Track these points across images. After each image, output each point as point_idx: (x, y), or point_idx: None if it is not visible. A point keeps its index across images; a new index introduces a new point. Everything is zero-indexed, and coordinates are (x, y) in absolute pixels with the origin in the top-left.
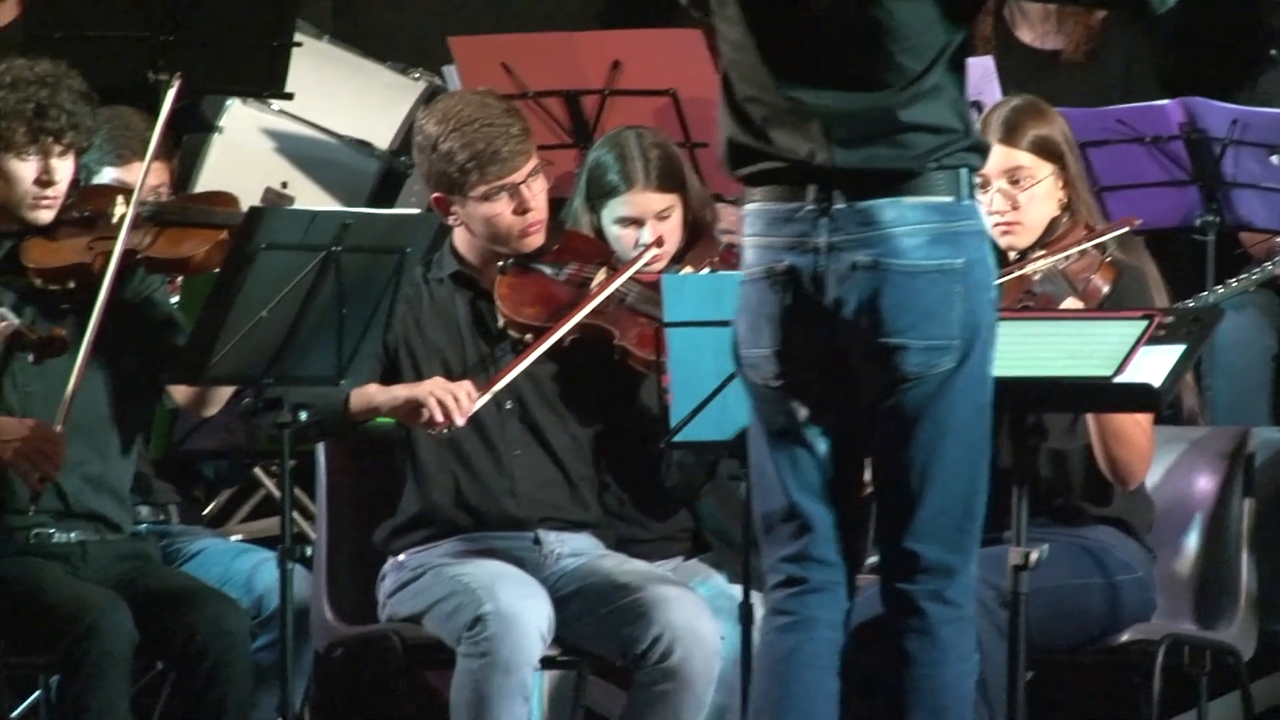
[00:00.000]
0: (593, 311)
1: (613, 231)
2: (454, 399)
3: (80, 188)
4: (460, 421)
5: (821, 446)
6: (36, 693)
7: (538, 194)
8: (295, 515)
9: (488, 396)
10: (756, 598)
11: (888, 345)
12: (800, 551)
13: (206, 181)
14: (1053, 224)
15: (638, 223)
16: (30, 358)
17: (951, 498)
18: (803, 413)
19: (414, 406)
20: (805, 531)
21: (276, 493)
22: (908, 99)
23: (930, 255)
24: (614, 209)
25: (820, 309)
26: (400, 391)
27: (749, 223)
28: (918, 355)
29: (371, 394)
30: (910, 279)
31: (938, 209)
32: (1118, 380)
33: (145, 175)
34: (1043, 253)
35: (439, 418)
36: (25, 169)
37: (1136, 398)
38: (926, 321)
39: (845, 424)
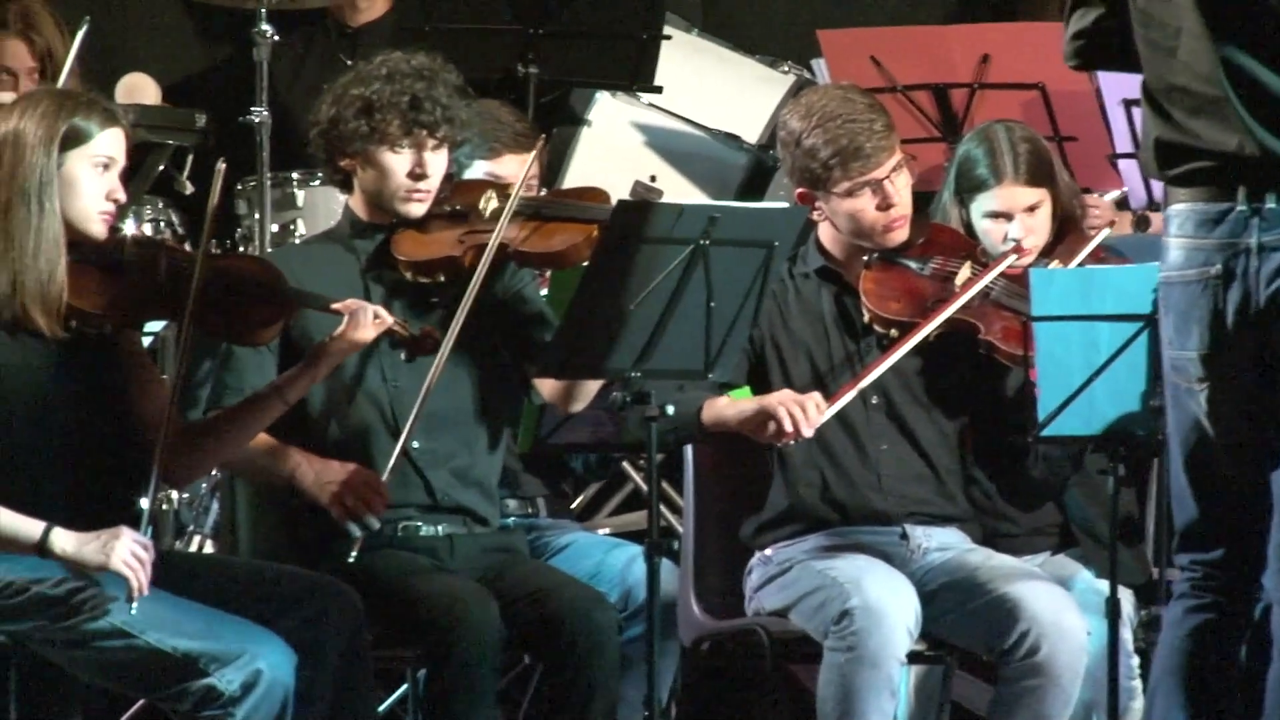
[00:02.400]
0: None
1: (981, 225)
2: (803, 410)
3: (453, 182)
4: (808, 433)
5: (1235, 457)
6: (404, 686)
7: (901, 189)
8: (662, 509)
9: (837, 407)
10: (1124, 593)
11: None
12: (1213, 559)
13: (575, 174)
14: None
15: (1006, 217)
16: (403, 355)
17: None
18: (1220, 420)
19: (763, 419)
20: (1218, 540)
21: (644, 487)
22: None
23: None
24: (983, 203)
25: (1251, 311)
26: (748, 405)
27: (1176, 223)
28: None
29: (721, 407)
30: None
31: None
32: None
33: (527, 171)
34: None
35: (788, 428)
36: (399, 162)
37: None
38: None
39: (1261, 433)
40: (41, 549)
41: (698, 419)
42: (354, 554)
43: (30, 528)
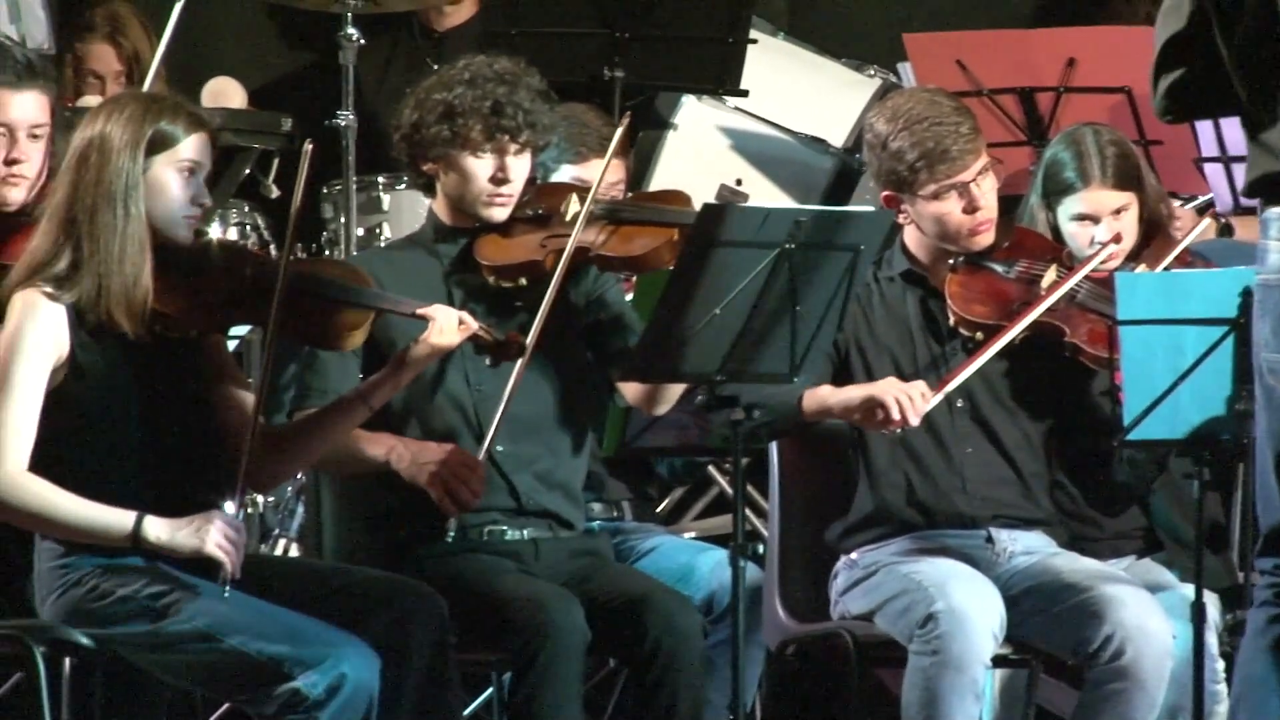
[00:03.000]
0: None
1: (1068, 228)
2: (909, 399)
3: (536, 185)
4: (915, 421)
5: None
6: (489, 690)
7: (987, 192)
8: (748, 513)
9: (940, 396)
10: (1209, 597)
11: None
12: None
13: (661, 178)
14: None
15: (1093, 220)
16: (487, 360)
17: None
18: None
19: (870, 406)
20: None
21: (729, 490)
22: None
23: None
24: (1070, 206)
25: None
26: (855, 392)
27: (1276, 227)
28: None
29: (824, 395)
30: None
31: None
32: None
33: (604, 174)
34: None
35: (895, 417)
36: (481, 166)
37: None
38: None
39: None
40: (135, 538)
41: (797, 408)
42: (451, 534)
43: (121, 518)
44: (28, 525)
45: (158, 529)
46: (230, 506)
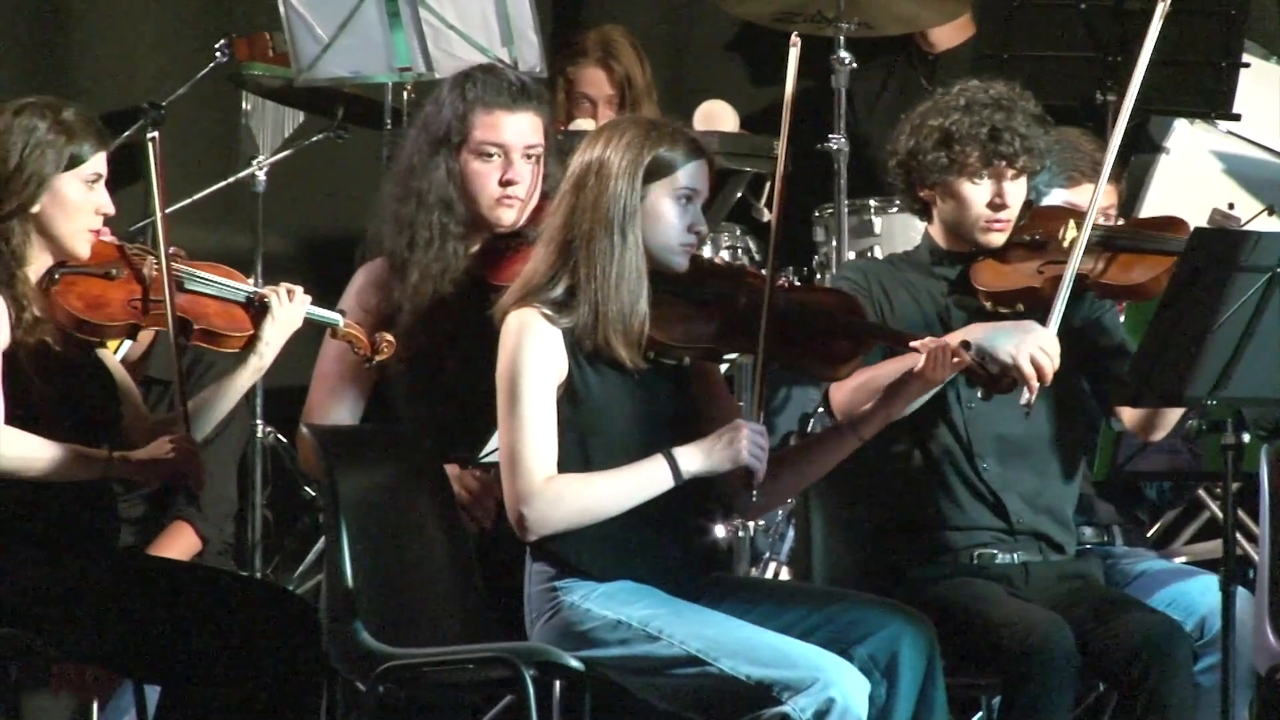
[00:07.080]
0: None
1: None
2: None
3: (1031, 209)
4: None
5: None
6: (979, 714)
7: None
8: (1238, 537)
9: None
10: None
11: None
12: None
13: (1153, 203)
14: None
15: None
16: (979, 392)
17: None
18: None
19: None
20: None
21: (1220, 515)
22: None
23: None
24: None
25: None
26: None
27: None
28: None
29: None
30: None
31: None
32: None
33: (1095, 200)
34: None
35: None
36: (978, 192)
37: None
38: None
39: None
40: (678, 478)
41: None
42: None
43: (658, 465)
44: (581, 523)
45: (691, 461)
46: (720, 530)
